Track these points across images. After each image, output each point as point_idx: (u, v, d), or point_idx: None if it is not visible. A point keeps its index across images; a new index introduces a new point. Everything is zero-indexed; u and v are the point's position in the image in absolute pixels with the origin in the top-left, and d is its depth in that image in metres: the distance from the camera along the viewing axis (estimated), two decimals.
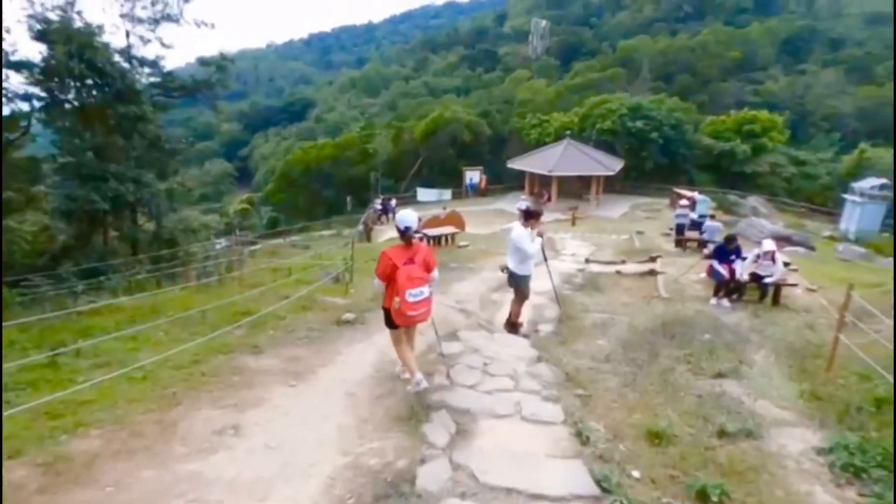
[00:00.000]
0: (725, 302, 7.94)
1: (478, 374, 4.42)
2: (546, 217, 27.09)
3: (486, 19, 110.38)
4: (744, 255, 8.34)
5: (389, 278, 3.94)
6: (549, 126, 35.71)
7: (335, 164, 34.87)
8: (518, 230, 5.76)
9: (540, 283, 8.33)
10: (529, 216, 5.92)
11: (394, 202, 29.91)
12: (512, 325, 5.93)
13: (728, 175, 33.00)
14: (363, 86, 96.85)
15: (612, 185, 32.37)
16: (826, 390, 4.17)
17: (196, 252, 10.57)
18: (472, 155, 35.87)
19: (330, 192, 35.58)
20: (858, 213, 23.37)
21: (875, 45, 68.01)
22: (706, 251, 10.81)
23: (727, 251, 8.31)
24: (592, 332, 6.11)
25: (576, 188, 30.66)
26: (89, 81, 9.97)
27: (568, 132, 31.82)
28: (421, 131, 35.44)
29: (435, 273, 4.19)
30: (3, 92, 9.66)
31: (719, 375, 4.47)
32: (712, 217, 15.66)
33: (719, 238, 15.29)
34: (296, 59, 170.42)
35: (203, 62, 11.14)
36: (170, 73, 10.89)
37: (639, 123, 31.78)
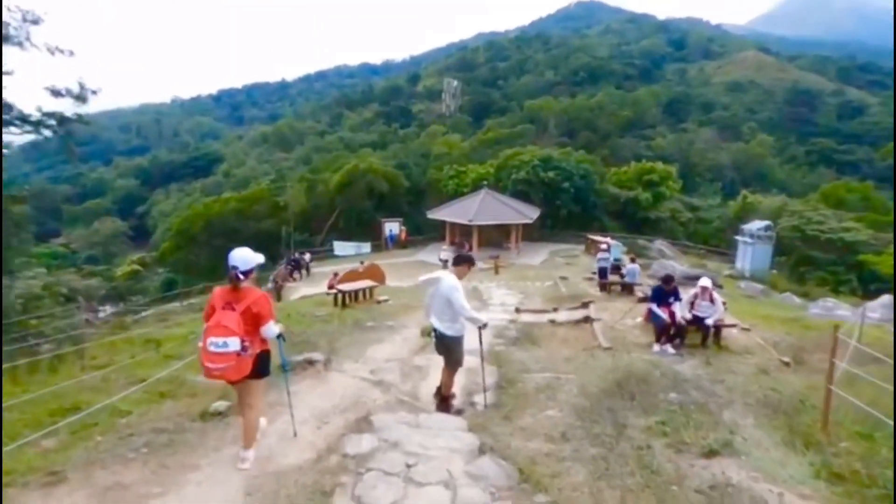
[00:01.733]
0: (669, 348, 7.26)
1: (398, 485, 3.08)
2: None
3: (400, 79, 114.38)
4: (681, 296, 7.83)
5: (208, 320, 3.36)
6: (465, 177, 36.05)
7: (241, 219, 32.34)
8: (448, 280, 4.63)
9: (467, 339, 7.24)
10: (461, 261, 4.85)
11: (308, 256, 27.99)
12: (443, 400, 4.67)
13: (634, 221, 34.86)
14: (276, 140, 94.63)
15: (531, 234, 32.85)
16: (840, 462, 3.34)
17: (37, 324, 8.22)
18: (390, 207, 35.07)
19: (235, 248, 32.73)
20: (750, 253, 25.13)
21: (738, 109, 78.93)
22: (640, 294, 10.40)
23: (665, 293, 7.73)
24: (539, 398, 4.99)
25: (495, 237, 30.66)
26: None
27: (485, 182, 32.16)
28: (336, 182, 34.18)
29: (268, 328, 3.46)
30: None
31: (711, 453, 3.49)
32: (632, 259, 15.70)
33: (641, 280, 15.42)
34: (203, 115, 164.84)
35: (55, 92, 9.18)
36: (9, 105, 8.83)
37: (551, 174, 32.90)
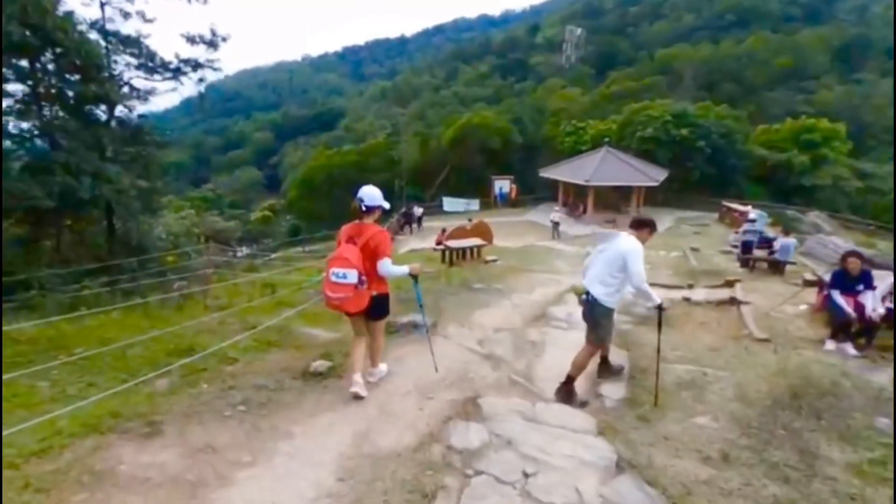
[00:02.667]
0: (850, 348, 5.74)
1: (514, 499, 2.48)
2: (583, 230, 24.99)
3: (519, 30, 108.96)
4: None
5: None
6: (584, 134, 33.55)
7: (359, 171, 33.48)
8: (629, 242, 3.88)
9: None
10: (642, 225, 4.13)
11: (419, 210, 28.21)
12: (567, 384, 3.94)
13: (784, 188, 30.08)
14: (393, 96, 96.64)
15: (654, 198, 29.91)
16: None
17: (173, 263, 8.91)
18: (502, 164, 33.98)
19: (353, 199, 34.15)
20: None
21: None
22: (808, 277, 8.61)
23: (850, 278, 6.10)
24: (682, 398, 4.07)
25: (613, 200, 28.37)
26: (47, 55, 8.54)
27: (606, 140, 29.60)
28: (449, 138, 33.77)
29: (383, 263, 3.52)
30: None
31: None
32: (786, 233, 13.26)
33: (794, 258, 13.02)
34: (329, 72, 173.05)
35: (190, 39, 9.70)
36: (152, 53, 9.48)
37: (684, 131, 29.29)
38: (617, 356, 4.84)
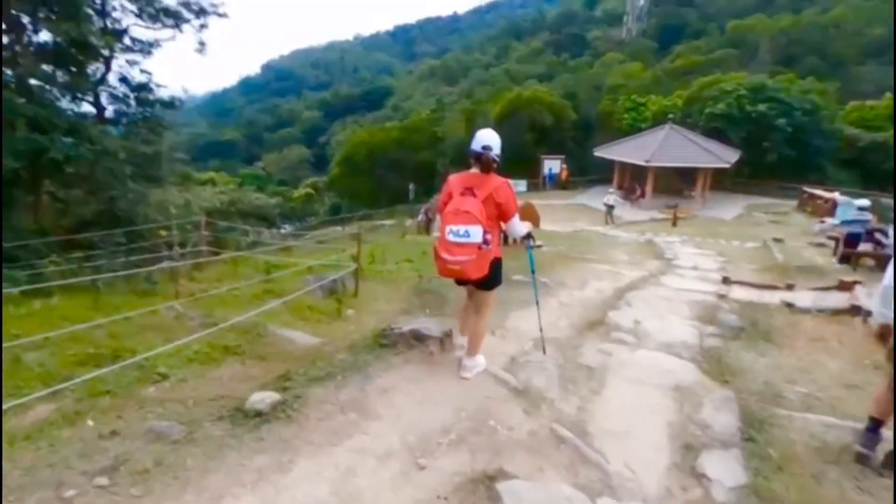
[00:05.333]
0: None
1: None
2: (639, 215, 22.77)
3: (575, 3, 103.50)
4: None
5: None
6: (645, 110, 30.80)
7: (401, 149, 32.26)
8: None
9: (666, 328, 4.74)
10: None
11: None
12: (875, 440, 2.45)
13: (877, 173, 26.38)
14: (442, 74, 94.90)
15: (721, 182, 27.07)
16: None
17: (166, 237, 7.86)
18: (552, 142, 31.80)
19: (395, 178, 33.07)
20: None
21: None
22: None
23: None
24: (831, 482, 2.46)
25: (675, 183, 25.79)
26: None
27: (670, 116, 26.84)
28: (496, 113, 31.85)
29: (514, 224, 3.03)
30: None
31: None
32: None
33: None
34: (380, 50, 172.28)
35: None
36: None
37: (762, 107, 26.11)
38: (715, 404, 3.23)
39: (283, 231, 31.12)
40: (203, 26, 9.29)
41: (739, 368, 4.03)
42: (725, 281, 7.47)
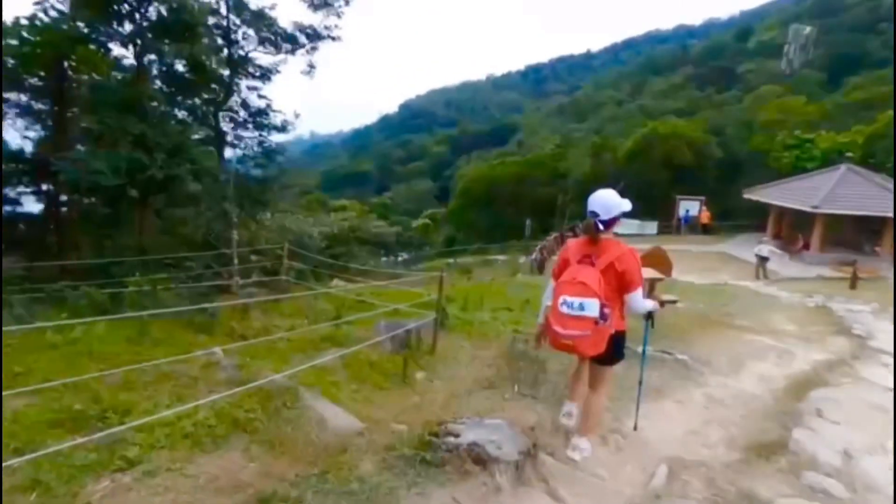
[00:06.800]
0: None
1: None
2: (803, 271, 18.90)
3: (725, 36, 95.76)
4: None
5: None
6: (813, 148, 26.18)
7: (521, 184, 31.28)
8: None
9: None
10: None
11: (569, 236, 24.95)
12: None
13: None
14: (572, 111, 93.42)
15: None
16: None
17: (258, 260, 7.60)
18: (691, 181, 28.45)
19: (512, 213, 32.12)
20: None
21: None
22: None
23: None
24: None
25: (850, 234, 21.19)
26: (141, 12, 8.02)
27: (847, 154, 22.36)
28: (627, 149, 29.48)
29: (636, 297, 2.77)
30: None
31: None
32: None
33: None
34: (511, 90, 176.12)
35: (314, 5, 8.66)
36: (272, 22, 8.63)
37: None
38: None
39: (399, 259, 31.76)
40: (314, 48, 9.44)
41: None
42: None
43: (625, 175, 30.90)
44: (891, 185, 20.29)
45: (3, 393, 2.62)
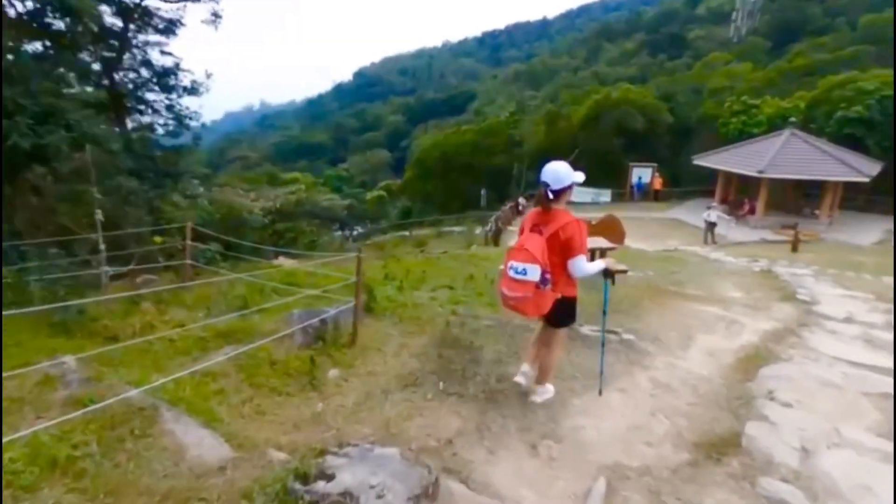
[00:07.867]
0: None
1: None
2: (748, 235, 19.34)
3: (677, 2, 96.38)
4: None
5: None
6: (758, 113, 26.67)
7: (476, 153, 30.61)
8: None
9: (847, 462, 2.59)
10: None
11: (523, 202, 24.73)
12: None
13: None
14: (527, 79, 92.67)
15: (853, 199, 22.63)
16: None
17: (160, 242, 6.64)
18: (644, 148, 28.59)
19: (468, 183, 31.53)
20: None
21: None
22: None
23: None
24: None
25: (792, 199, 21.86)
26: None
27: (792, 120, 22.82)
28: (581, 116, 29.21)
29: (576, 262, 2.87)
30: None
31: None
32: None
33: None
34: (467, 57, 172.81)
35: None
36: None
37: None
38: None
39: (354, 233, 30.73)
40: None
41: None
42: None
43: (579, 142, 30.81)
44: (833, 150, 20.90)
45: None
